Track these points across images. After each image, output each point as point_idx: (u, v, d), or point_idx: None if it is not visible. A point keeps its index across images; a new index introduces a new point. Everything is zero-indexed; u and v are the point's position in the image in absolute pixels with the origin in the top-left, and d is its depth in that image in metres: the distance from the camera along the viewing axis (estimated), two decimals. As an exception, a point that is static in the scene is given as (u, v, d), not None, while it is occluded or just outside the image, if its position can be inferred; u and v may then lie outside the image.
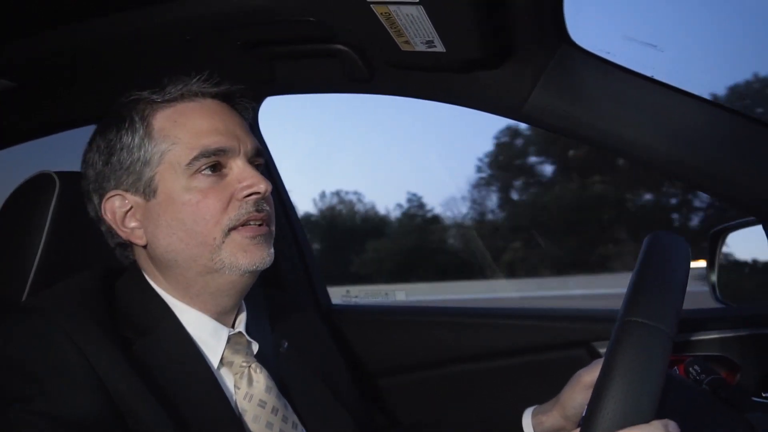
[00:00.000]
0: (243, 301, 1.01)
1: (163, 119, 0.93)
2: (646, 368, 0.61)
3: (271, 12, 1.09)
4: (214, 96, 0.96)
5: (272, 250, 0.94)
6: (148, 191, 0.92)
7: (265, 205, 0.93)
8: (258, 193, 0.91)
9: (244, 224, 0.91)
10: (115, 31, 1.19)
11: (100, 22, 1.18)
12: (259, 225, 0.92)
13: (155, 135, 0.92)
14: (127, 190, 0.93)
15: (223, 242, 0.89)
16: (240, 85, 1.00)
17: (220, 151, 0.91)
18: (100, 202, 0.94)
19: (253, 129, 1.50)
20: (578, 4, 1.11)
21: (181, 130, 0.92)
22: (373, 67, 1.23)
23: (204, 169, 0.90)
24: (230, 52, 1.22)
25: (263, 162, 0.99)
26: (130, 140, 0.92)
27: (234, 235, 0.90)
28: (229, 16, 1.12)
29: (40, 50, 1.24)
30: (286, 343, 1.05)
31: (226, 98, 0.98)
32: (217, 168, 0.91)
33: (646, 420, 0.60)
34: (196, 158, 0.90)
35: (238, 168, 0.92)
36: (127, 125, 0.93)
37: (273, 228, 0.96)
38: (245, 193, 0.91)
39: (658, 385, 0.61)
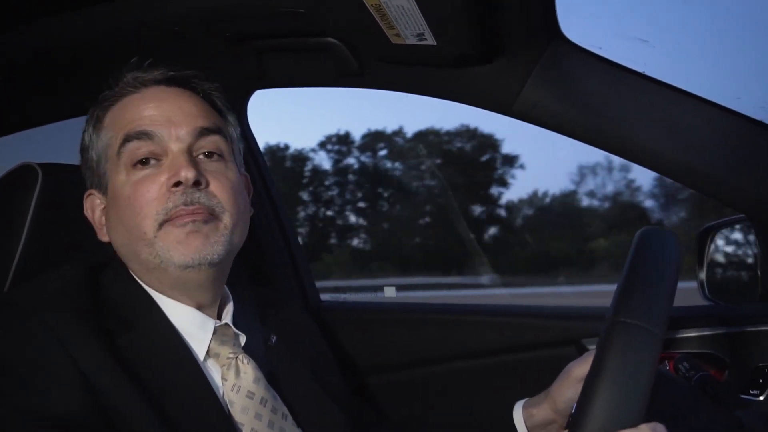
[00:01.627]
0: (229, 293, 1.00)
1: (110, 115, 0.93)
2: (635, 370, 0.61)
3: (261, 4, 1.08)
4: (159, 82, 0.94)
5: (217, 239, 0.87)
6: (104, 189, 0.93)
7: (199, 195, 0.86)
8: (180, 182, 0.85)
9: (174, 217, 0.85)
10: (101, 24, 1.18)
11: (86, 15, 1.17)
12: (192, 215, 0.86)
13: (102, 133, 0.93)
14: (97, 189, 0.95)
15: (156, 236, 0.86)
16: (195, 71, 0.96)
17: (143, 135, 0.88)
18: (84, 200, 0.96)
19: (241, 122, 1.49)
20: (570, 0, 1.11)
21: (118, 122, 0.91)
22: (363, 62, 1.23)
23: (137, 162, 0.88)
24: (219, 46, 1.21)
25: (217, 140, 0.92)
26: (87, 140, 0.95)
27: (167, 227, 0.86)
28: (218, 9, 1.11)
29: (28, 42, 1.23)
30: (275, 338, 1.04)
31: (176, 82, 0.95)
32: (149, 161, 0.88)
33: (634, 423, 0.60)
34: (122, 144, 0.88)
35: (171, 155, 0.88)
36: (90, 124, 0.95)
37: (226, 217, 0.89)
38: (171, 182, 0.86)
39: (646, 386, 0.60)
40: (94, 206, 0.95)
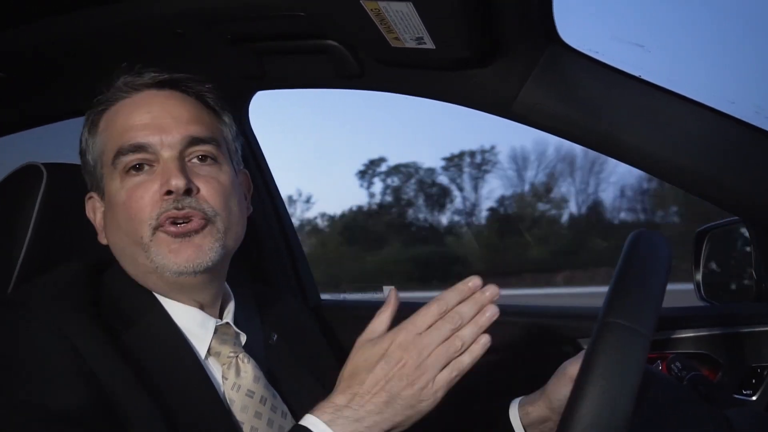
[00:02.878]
0: (230, 291, 1.01)
1: (104, 120, 0.94)
2: (624, 368, 0.62)
3: (262, 7, 1.09)
4: (151, 86, 0.93)
5: (211, 246, 0.88)
6: (102, 193, 0.94)
7: (190, 200, 0.87)
8: (171, 190, 0.86)
9: (164, 224, 0.86)
10: (103, 24, 1.18)
11: (89, 14, 1.17)
12: (184, 223, 0.86)
13: (96, 137, 0.93)
14: (96, 192, 0.95)
15: (151, 241, 0.87)
16: (186, 74, 0.95)
17: (137, 148, 0.88)
18: (85, 202, 0.98)
19: (241, 122, 1.50)
20: (567, 4, 1.12)
21: (111, 129, 0.92)
22: (363, 64, 1.24)
23: (130, 168, 0.89)
24: (220, 47, 1.22)
25: (209, 149, 0.92)
26: (84, 143, 0.95)
27: (160, 233, 0.87)
28: (219, 11, 1.12)
29: (28, 41, 1.23)
30: (276, 336, 1.05)
31: (168, 85, 0.95)
32: (142, 167, 0.89)
33: (622, 420, 0.61)
34: (116, 156, 0.89)
35: (163, 162, 0.89)
36: (83, 128, 0.96)
37: (219, 222, 0.89)
38: (162, 190, 0.86)
39: (634, 385, 0.62)
40: (95, 209, 0.96)
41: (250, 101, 1.52)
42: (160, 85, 0.94)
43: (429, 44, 1.06)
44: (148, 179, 0.88)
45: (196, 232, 0.87)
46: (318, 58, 1.25)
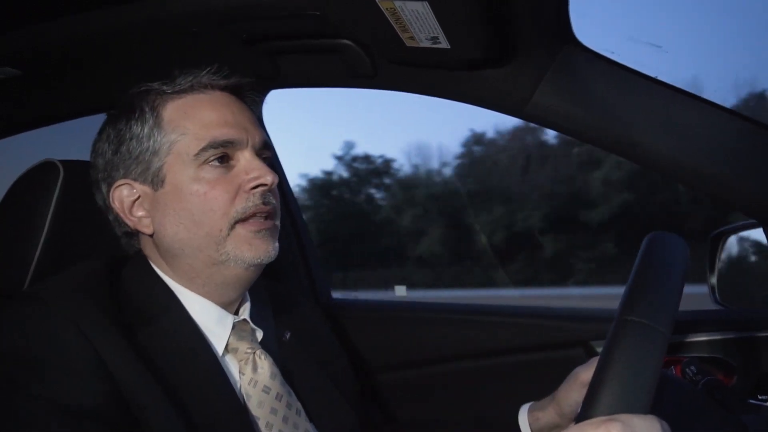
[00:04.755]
0: (247, 292, 1.01)
1: (172, 110, 0.94)
2: (642, 365, 0.62)
3: (276, 6, 1.09)
4: (223, 88, 0.97)
5: (277, 244, 0.94)
6: (156, 181, 0.92)
7: (271, 197, 0.94)
8: (265, 184, 0.92)
9: (249, 217, 0.91)
10: (120, 22, 1.19)
11: (106, 13, 1.18)
12: (265, 218, 0.92)
13: (164, 125, 0.93)
14: (135, 180, 0.94)
15: (229, 235, 0.90)
16: (248, 79, 1.00)
17: (228, 143, 0.92)
18: (108, 191, 0.95)
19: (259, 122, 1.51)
20: (583, 4, 1.12)
21: (190, 121, 0.93)
22: (377, 63, 1.24)
23: (212, 161, 0.91)
24: (235, 46, 1.23)
25: (270, 155, 0.99)
26: (139, 130, 0.93)
27: (239, 228, 0.91)
28: (234, 10, 1.12)
29: (45, 39, 1.24)
30: (289, 334, 1.06)
31: (235, 91, 0.99)
32: (224, 160, 0.92)
33: (641, 410, 0.61)
34: (204, 149, 0.91)
35: (246, 160, 0.93)
36: (137, 115, 0.94)
37: (278, 222, 0.96)
38: (252, 184, 0.91)
39: (652, 381, 0.62)
40: (122, 197, 0.94)
41: (263, 100, 1.53)
42: (231, 89, 0.98)
43: (444, 44, 1.06)
44: (229, 174, 0.92)
45: (273, 228, 0.94)
46: (331, 58, 1.26)
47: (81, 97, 1.47)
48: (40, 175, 1.08)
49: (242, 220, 0.91)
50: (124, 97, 0.97)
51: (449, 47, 1.07)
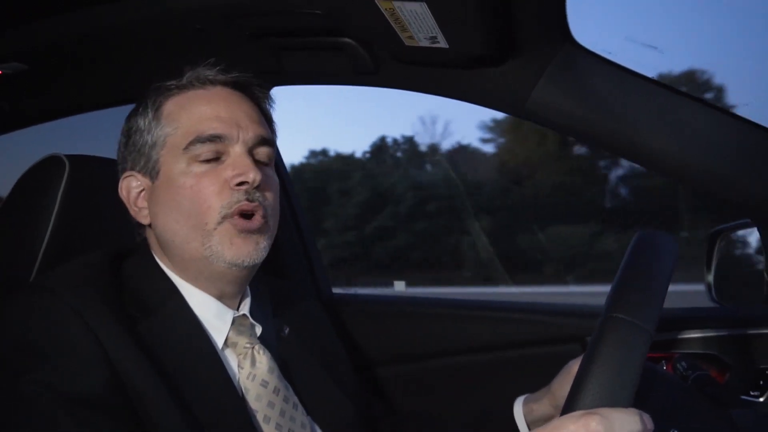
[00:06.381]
0: (248, 287, 1.03)
1: (172, 105, 0.96)
2: (625, 361, 0.63)
3: (280, 3, 1.11)
4: (225, 83, 0.98)
5: (264, 244, 0.93)
6: (153, 173, 0.95)
7: (258, 195, 0.92)
8: (246, 182, 0.91)
9: (236, 214, 0.91)
10: (125, 18, 1.20)
11: (111, 9, 1.20)
12: (250, 218, 0.91)
13: (162, 119, 0.95)
14: (139, 172, 0.97)
15: (215, 229, 0.90)
16: (250, 74, 1.00)
17: (215, 138, 0.92)
18: (120, 182, 0.99)
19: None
20: (581, 4, 1.13)
21: (184, 115, 0.94)
22: (378, 61, 1.25)
23: (204, 156, 0.92)
24: (238, 42, 1.24)
25: (270, 151, 0.98)
26: (142, 124, 0.96)
27: (226, 224, 0.90)
28: (239, 6, 1.14)
29: (52, 34, 1.26)
30: (288, 329, 1.07)
31: (239, 86, 0.99)
32: (216, 156, 0.92)
33: (623, 406, 0.63)
34: (192, 143, 0.92)
35: (234, 155, 0.93)
36: (141, 110, 0.97)
37: (271, 222, 0.95)
38: (235, 181, 0.91)
39: (635, 376, 0.63)
40: (130, 188, 0.97)
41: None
42: (233, 84, 0.98)
43: (442, 43, 1.08)
44: (218, 168, 0.92)
45: (258, 231, 0.92)
46: (334, 55, 1.27)
47: (86, 92, 1.49)
48: (46, 169, 1.09)
49: (229, 216, 0.90)
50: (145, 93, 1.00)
51: (448, 46, 1.09)
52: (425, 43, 1.08)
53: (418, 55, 1.16)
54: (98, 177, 1.09)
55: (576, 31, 1.13)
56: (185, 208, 0.91)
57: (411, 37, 1.07)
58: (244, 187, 0.91)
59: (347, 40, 1.20)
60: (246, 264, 0.92)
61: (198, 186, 0.91)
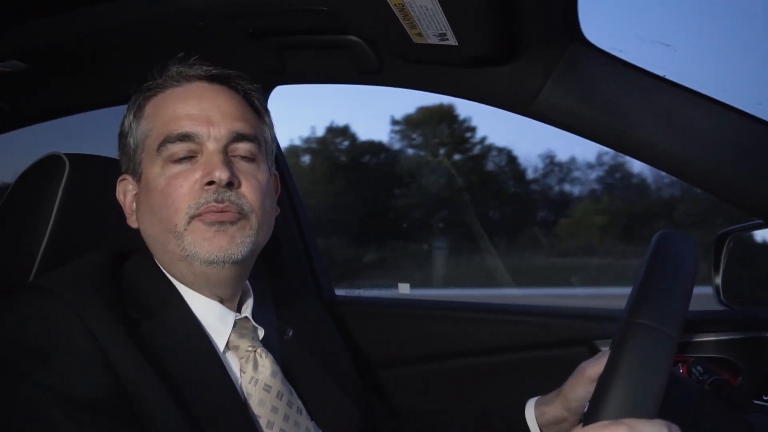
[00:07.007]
0: (250, 287, 1.01)
1: (150, 106, 0.94)
2: (651, 370, 0.62)
3: (284, 1, 1.09)
4: (201, 78, 0.95)
5: (242, 241, 0.89)
6: (137, 176, 0.94)
7: (230, 194, 0.88)
8: (213, 181, 0.87)
9: (204, 213, 0.87)
10: (125, 18, 1.20)
11: (112, 8, 1.18)
12: (220, 212, 0.87)
13: (141, 121, 0.94)
14: (129, 174, 0.96)
15: (186, 229, 0.87)
16: (237, 71, 0.97)
17: (184, 137, 0.89)
18: (117, 185, 0.98)
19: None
20: (591, 2, 1.11)
21: (159, 115, 0.93)
22: (383, 60, 1.24)
23: (175, 157, 0.89)
24: (241, 41, 1.23)
25: (251, 146, 0.93)
26: (127, 126, 0.96)
27: (196, 222, 0.87)
28: (240, 5, 1.12)
29: (51, 33, 1.25)
30: (291, 331, 1.06)
31: (218, 79, 0.96)
32: (191, 154, 0.90)
33: (649, 416, 0.61)
34: (162, 143, 0.90)
35: (207, 153, 0.90)
36: (126, 112, 0.96)
37: (253, 218, 0.90)
38: (204, 180, 0.88)
39: (661, 385, 0.61)
40: (126, 191, 0.97)
41: (269, 96, 1.53)
42: (210, 78, 0.95)
43: (452, 40, 1.06)
44: (190, 169, 0.89)
45: (231, 223, 0.88)
46: (337, 54, 1.26)
47: (87, 91, 1.48)
48: (46, 168, 1.08)
49: (197, 215, 0.87)
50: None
51: (457, 44, 1.07)
52: (434, 41, 1.07)
53: (425, 52, 1.14)
54: (98, 176, 1.08)
55: (586, 28, 1.12)
56: (157, 212, 0.90)
57: (419, 34, 1.06)
58: (212, 187, 0.88)
59: (352, 37, 1.19)
60: (223, 260, 0.87)
61: (168, 188, 0.89)
